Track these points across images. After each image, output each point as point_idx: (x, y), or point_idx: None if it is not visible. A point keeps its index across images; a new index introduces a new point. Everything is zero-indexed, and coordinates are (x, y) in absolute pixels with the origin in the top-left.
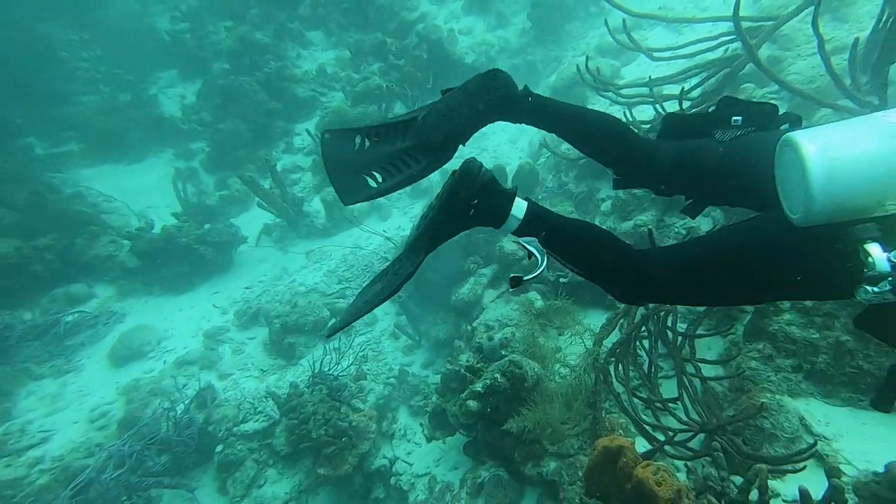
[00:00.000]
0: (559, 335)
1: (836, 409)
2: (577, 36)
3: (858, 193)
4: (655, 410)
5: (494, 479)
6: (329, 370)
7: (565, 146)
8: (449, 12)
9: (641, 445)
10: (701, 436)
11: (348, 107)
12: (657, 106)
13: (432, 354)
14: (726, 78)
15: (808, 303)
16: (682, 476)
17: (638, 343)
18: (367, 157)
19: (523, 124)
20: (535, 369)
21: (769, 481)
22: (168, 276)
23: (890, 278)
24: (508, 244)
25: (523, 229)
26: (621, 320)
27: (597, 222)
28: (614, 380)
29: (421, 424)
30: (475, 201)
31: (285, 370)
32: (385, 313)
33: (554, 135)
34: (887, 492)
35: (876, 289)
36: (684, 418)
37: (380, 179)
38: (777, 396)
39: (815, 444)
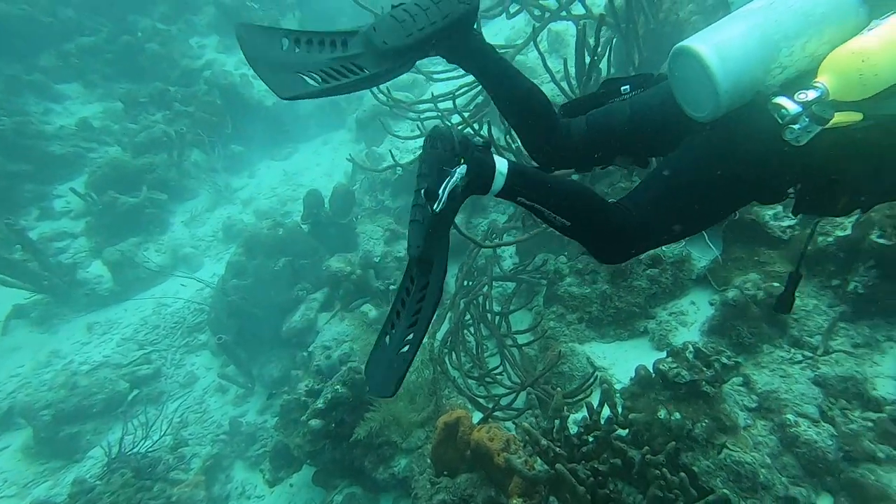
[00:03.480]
0: None
1: (608, 345)
2: None
3: (748, 65)
4: (486, 384)
5: (348, 498)
6: (133, 450)
7: (385, 164)
8: (240, 59)
9: (480, 419)
10: (525, 394)
11: (129, 158)
12: (442, 118)
13: None
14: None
15: (580, 265)
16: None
17: (465, 330)
18: (301, 59)
19: (459, 68)
20: None
21: (571, 413)
22: None
23: (804, 115)
24: (335, 263)
25: (510, 185)
26: (448, 313)
27: None
28: (449, 367)
29: (261, 470)
30: (462, 160)
31: (64, 471)
32: (207, 369)
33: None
34: (637, 388)
35: (798, 125)
36: (508, 383)
37: (320, 81)
38: (570, 345)
39: (594, 372)
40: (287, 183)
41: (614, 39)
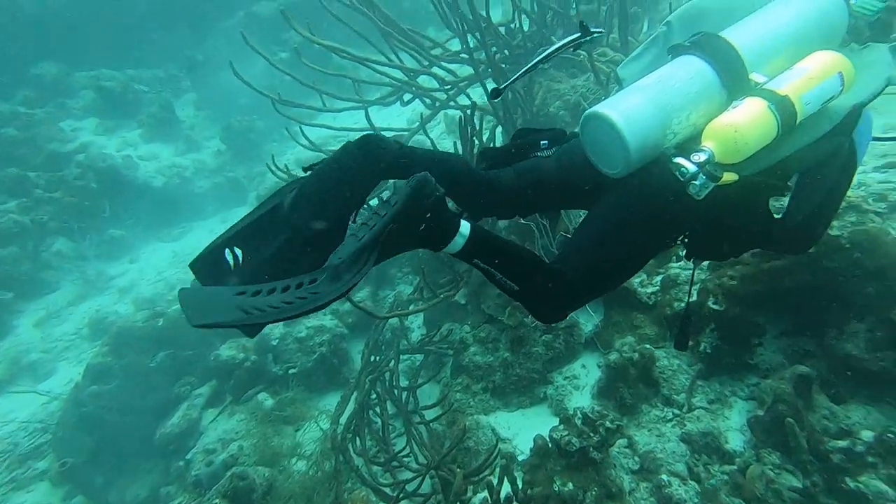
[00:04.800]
0: (296, 430)
1: (512, 414)
2: (278, 153)
3: (649, 129)
4: (393, 470)
5: None
6: None
7: None
8: (122, 141)
9: None
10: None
11: None
12: None
13: None
14: None
15: (483, 333)
16: None
17: (371, 410)
18: (250, 272)
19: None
20: (265, 475)
21: (474, 494)
22: None
23: (701, 173)
24: (226, 351)
25: (469, 249)
26: (354, 393)
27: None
28: (353, 454)
29: None
30: (429, 215)
31: None
32: None
33: None
34: (535, 459)
35: (697, 181)
36: (415, 465)
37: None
38: (475, 417)
39: (496, 446)
40: (177, 265)
41: (498, 127)
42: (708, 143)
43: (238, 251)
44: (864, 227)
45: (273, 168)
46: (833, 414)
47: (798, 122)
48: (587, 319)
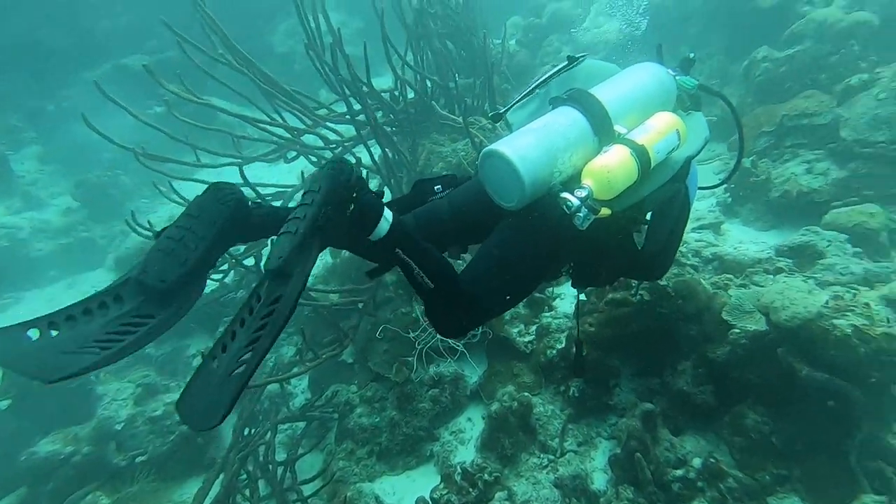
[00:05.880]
0: None
1: (398, 477)
2: (144, 211)
3: (540, 165)
4: None
5: None
6: None
7: None
8: None
9: None
10: None
11: None
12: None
13: None
14: None
15: (370, 392)
16: None
17: (239, 493)
18: (66, 340)
19: (260, 239)
20: None
21: None
22: None
23: (583, 206)
24: (47, 445)
25: (392, 235)
26: (220, 475)
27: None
28: None
29: None
30: (355, 195)
31: None
32: None
33: None
34: None
35: (581, 213)
36: None
37: (99, 351)
38: (357, 486)
39: None
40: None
41: (385, 186)
42: (587, 181)
43: (53, 329)
44: (683, 278)
45: (133, 225)
46: (672, 445)
47: (651, 167)
48: (472, 371)
